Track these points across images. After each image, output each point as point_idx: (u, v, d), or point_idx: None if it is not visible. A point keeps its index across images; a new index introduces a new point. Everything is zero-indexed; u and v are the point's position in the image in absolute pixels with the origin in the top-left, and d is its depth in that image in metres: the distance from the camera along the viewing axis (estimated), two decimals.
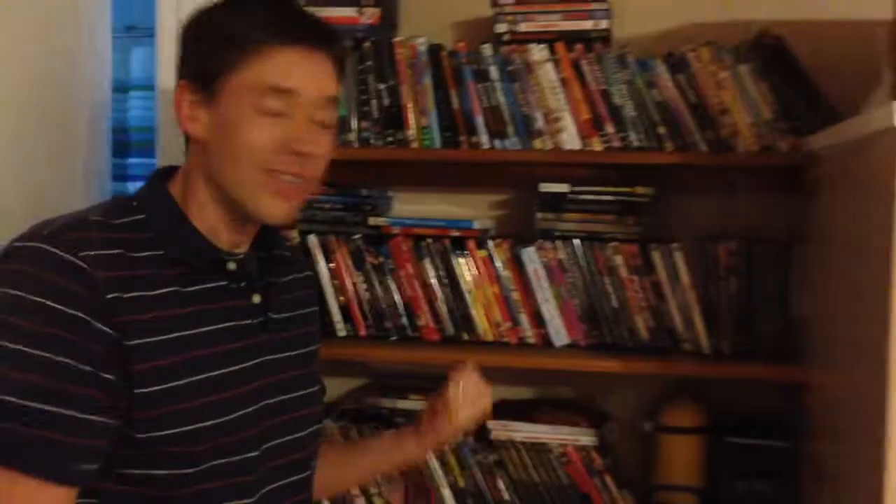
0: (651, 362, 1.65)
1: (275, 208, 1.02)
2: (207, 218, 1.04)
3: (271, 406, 1.07)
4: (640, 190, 1.71)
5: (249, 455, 1.02)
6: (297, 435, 1.10)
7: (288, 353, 1.11)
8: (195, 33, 1.04)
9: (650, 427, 1.75)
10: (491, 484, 1.77)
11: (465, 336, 1.76)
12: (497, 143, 1.71)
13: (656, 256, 1.69)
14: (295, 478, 1.10)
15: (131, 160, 2.63)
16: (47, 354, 0.89)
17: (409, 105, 1.73)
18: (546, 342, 1.73)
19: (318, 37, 1.03)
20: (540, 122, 1.69)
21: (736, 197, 1.77)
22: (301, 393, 1.12)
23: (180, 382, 0.97)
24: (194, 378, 0.98)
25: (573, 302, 1.72)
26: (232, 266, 1.04)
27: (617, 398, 1.85)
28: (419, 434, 1.26)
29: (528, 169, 1.78)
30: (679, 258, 1.68)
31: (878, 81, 1.45)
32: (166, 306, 0.97)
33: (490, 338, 1.75)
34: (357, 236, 1.77)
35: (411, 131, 1.74)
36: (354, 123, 1.75)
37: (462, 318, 1.76)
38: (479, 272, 1.75)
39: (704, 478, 1.72)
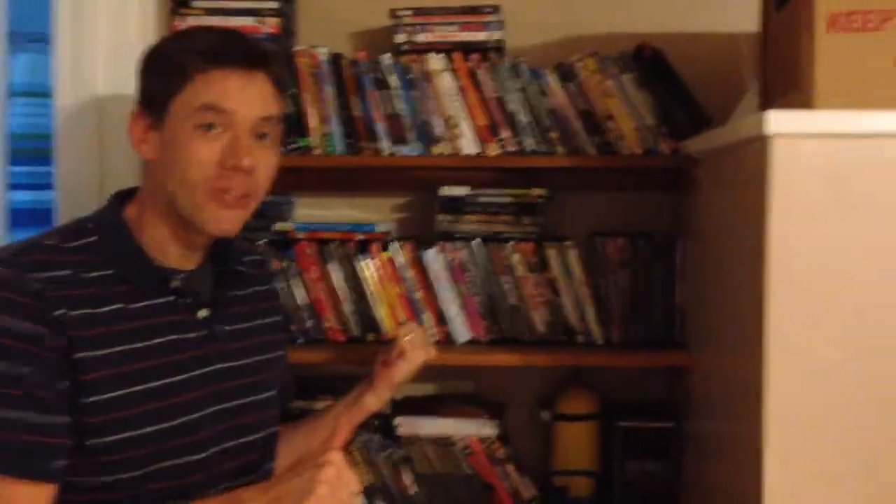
0: (547, 355, 1.74)
1: (220, 221, 1.12)
2: (158, 236, 1.13)
3: (222, 411, 1.16)
4: (534, 192, 1.80)
5: (195, 458, 1.11)
6: (249, 438, 1.19)
7: (241, 362, 1.20)
8: (145, 65, 1.13)
9: (547, 416, 1.85)
10: (397, 479, 1.82)
11: (371, 336, 1.81)
12: (398, 149, 1.77)
13: (551, 254, 1.78)
14: (249, 478, 1.18)
15: (14, 168, 2.54)
16: (7, 364, 0.99)
17: (312, 112, 1.77)
18: (449, 339, 1.81)
19: (252, 59, 1.11)
20: (439, 129, 1.76)
21: (623, 196, 1.90)
22: (254, 398, 1.21)
23: (124, 391, 1.06)
24: (138, 388, 1.07)
25: (474, 300, 1.80)
26: (176, 283, 1.13)
27: (516, 390, 1.94)
28: (374, 387, 1.43)
29: (428, 173, 1.85)
30: (572, 255, 1.78)
31: (744, 90, 1.60)
32: (112, 322, 1.07)
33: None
34: (262, 241, 1.80)
35: (313, 138, 1.78)
36: None
37: (367, 318, 1.81)
38: (383, 274, 1.80)
39: (598, 461, 1.83)
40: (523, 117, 1.76)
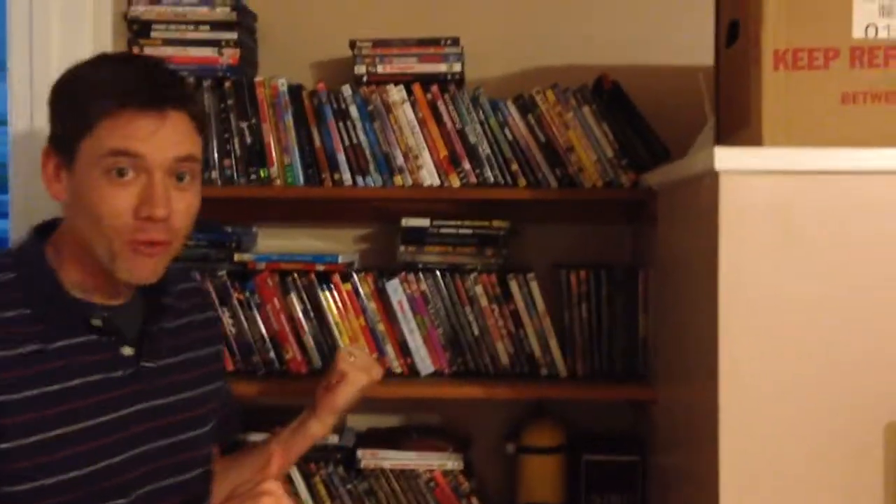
0: (511, 387, 1.73)
1: (139, 270, 1.07)
2: (79, 273, 1.08)
3: (149, 451, 1.10)
4: (496, 223, 1.80)
5: (119, 502, 1.05)
6: (182, 477, 1.14)
7: (172, 399, 1.14)
8: (53, 100, 1.07)
9: (512, 449, 1.83)
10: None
11: None
12: (359, 179, 1.76)
13: (514, 286, 1.78)
14: None
15: None
16: None
17: (272, 143, 1.76)
18: (412, 371, 1.79)
19: (164, 99, 1.04)
20: (399, 160, 1.76)
21: (585, 228, 1.90)
22: (185, 436, 1.16)
23: (43, 436, 1.01)
24: (57, 431, 1.02)
25: (437, 331, 1.79)
26: (97, 322, 1.07)
27: (481, 422, 1.93)
28: (316, 413, 1.37)
29: (390, 204, 1.85)
30: (535, 287, 1.77)
31: (703, 122, 1.60)
32: (28, 364, 1.01)
33: None
34: (222, 273, 1.78)
35: (274, 168, 1.77)
36: (217, 161, 1.77)
37: (329, 350, 1.79)
38: (345, 305, 1.79)
39: (564, 494, 1.82)
40: (484, 149, 1.76)
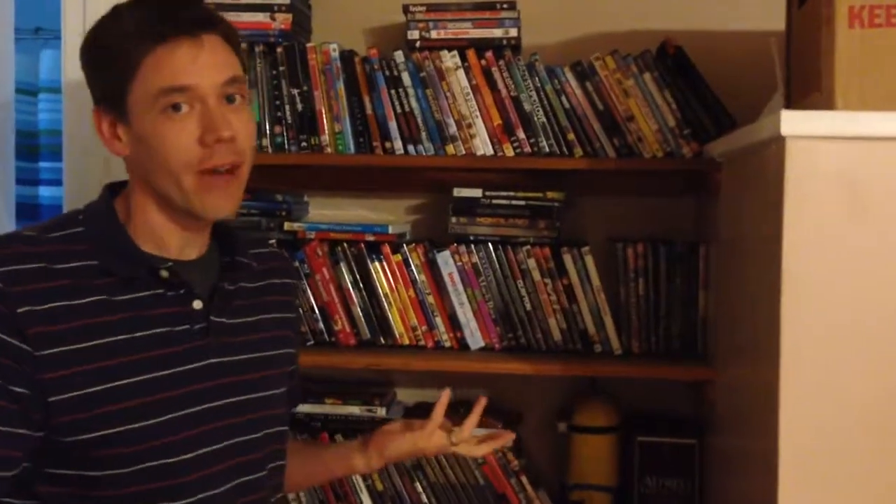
0: (563, 364, 1.68)
1: (217, 205, 1.04)
2: (154, 228, 1.06)
3: (217, 408, 1.07)
4: (550, 194, 1.74)
5: (185, 457, 1.04)
6: (247, 437, 1.10)
7: (243, 356, 1.11)
8: (86, 61, 1.05)
9: (564, 427, 1.78)
10: (409, 487, 1.78)
11: (382, 340, 1.77)
12: (411, 148, 1.73)
13: (568, 259, 1.72)
14: (250, 477, 1.10)
15: (42, 164, 2.56)
16: None
17: (323, 110, 1.74)
18: (462, 345, 1.76)
19: (196, 24, 1.02)
20: (452, 128, 1.71)
21: (644, 201, 1.82)
22: (259, 395, 1.12)
23: (101, 388, 0.99)
24: (117, 383, 1.00)
25: (487, 305, 1.74)
26: (164, 274, 1.05)
27: (532, 400, 1.88)
28: (366, 453, 1.28)
29: (441, 174, 1.81)
30: (589, 261, 1.72)
31: (772, 91, 1.51)
32: (90, 315, 1.00)
33: (406, 341, 1.77)
34: (272, 241, 1.77)
35: (325, 136, 1.74)
36: (268, 128, 1.75)
37: (378, 322, 1.77)
38: (395, 276, 1.76)
39: (617, 476, 1.76)
40: (539, 117, 1.70)
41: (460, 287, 1.75)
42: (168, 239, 1.07)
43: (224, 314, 1.09)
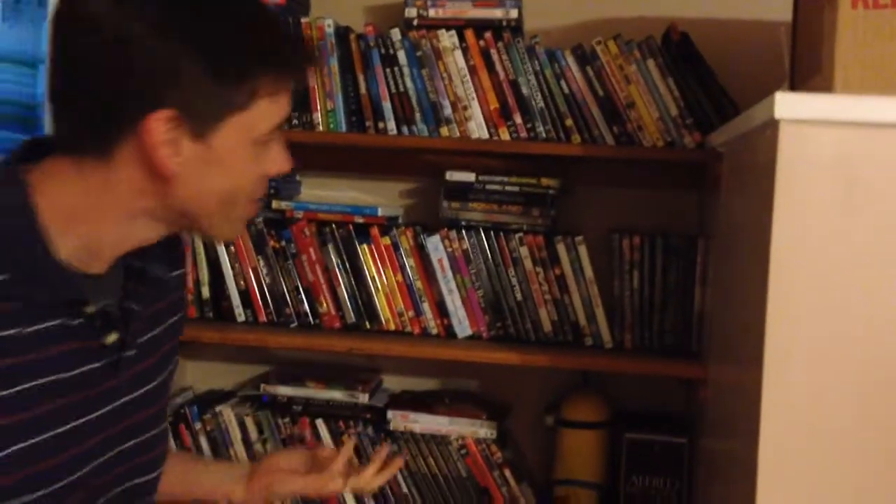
0: (552, 356, 1.64)
1: (237, 231, 0.96)
2: (83, 238, 0.86)
3: (116, 456, 0.92)
4: (546, 181, 1.69)
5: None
6: (146, 478, 0.98)
7: (143, 390, 0.95)
8: (210, 63, 0.83)
9: (551, 421, 1.74)
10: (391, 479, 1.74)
11: (367, 324, 1.73)
12: (404, 129, 1.68)
13: (561, 249, 1.67)
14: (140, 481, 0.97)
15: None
16: None
17: (316, 87, 1.70)
18: (449, 333, 1.71)
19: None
20: (447, 110, 1.67)
21: (643, 193, 1.77)
22: (153, 433, 0.98)
23: (9, 451, 0.81)
24: (25, 443, 0.82)
25: (477, 293, 1.70)
26: (90, 309, 0.86)
27: (520, 392, 1.84)
28: (250, 486, 1.15)
29: (435, 157, 1.76)
30: (583, 251, 1.67)
31: (780, 83, 1.46)
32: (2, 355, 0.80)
33: (392, 327, 1.73)
34: (259, 219, 1.73)
35: (317, 115, 1.70)
36: None
37: (364, 306, 1.73)
38: (383, 260, 1.72)
39: (603, 473, 1.71)
40: (537, 102, 1.65)
41: (449, 273, 1.70)
42: (108, 253, 0.88)
43: (133, 338, 0.92)
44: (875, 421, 1.04)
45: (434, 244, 1.70)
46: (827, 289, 1.04)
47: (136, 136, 0.82)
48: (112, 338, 0.88)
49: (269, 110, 0.86)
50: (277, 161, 0.91)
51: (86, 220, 0.84)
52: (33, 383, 0.81)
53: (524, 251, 1.69)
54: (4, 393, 0.79)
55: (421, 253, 1.71)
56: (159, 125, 0.81)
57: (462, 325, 1.71)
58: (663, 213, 1.75)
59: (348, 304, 1.73)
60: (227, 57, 0.83)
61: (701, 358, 1.62)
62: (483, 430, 1.72)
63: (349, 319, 1.73)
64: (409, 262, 1.71)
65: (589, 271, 1.67)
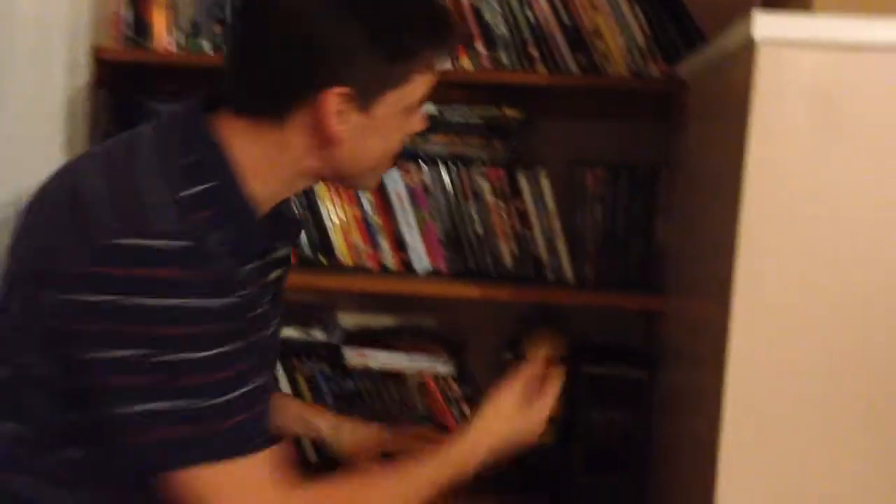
0: (512, 290, 1.61)
1: (378, 182, 1.12)
2: (274, 188, 0.99)
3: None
4: (508, 112, 1.64)
5: None
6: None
7: (274, 323, 1.09)
8: (372, 42, 0.93)
9: (510, 356, 1.72)
10: (347, 413, 1.70)
11: (324, 260, 1.68)
12: None
13: (523, 182, 1.63)
14: None
15: None
16: (224, 349, 0.88)
17: None
18: (408, 268, 1.67)
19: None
20: None
21: (608, 124, 1.73)
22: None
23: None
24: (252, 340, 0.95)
25: (436, 227, 1.65)
26: (274, 255, 1.03)
27: (479, 328, 1.81)
28: (339, 434, 1.29)
29: None
30: (545, 184, 1.63)
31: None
32: (248, 285, 0.95)
33: (349, 262, 1.68)
34: None
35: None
36: (206, 28, 1.62)
37: (320, 241, 1.67)
38: (339, 193, 1.66)
39: (562, 407, 1.70)
40: (500, 30, 1.59)
41: (408, 207, 1.65)
42: (270, 204, 1.00)
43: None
44: (847, 349, 1.03)
45: (392, 177, 1.64)
46: (802, 217, 1.02)
47: (310, 106, 0.93)
48: (274, 275, 1.05)
49: (422, 82, 0.98)
50: (419, 122, 1.04)
51: (263, 176, 0.95)
52: (254, 313, 0.96)
53: (485, 184, 1.64)
54: (251, 314, 0.94)
55: (379, 187, 1.65)
56: (333, 99, 0.92)
57: (421, 260, 1.67)
58: (627, 145, 1.71)
59: (303, 239, 1.67)
60: (399, 40, 0.94)
61: (663, 291, 1.60)
62: (442, 366, 1.70)
63: (305, 255, 1.68)
64: (366, 196, 1.66)
65: (551, 205, 1.63)
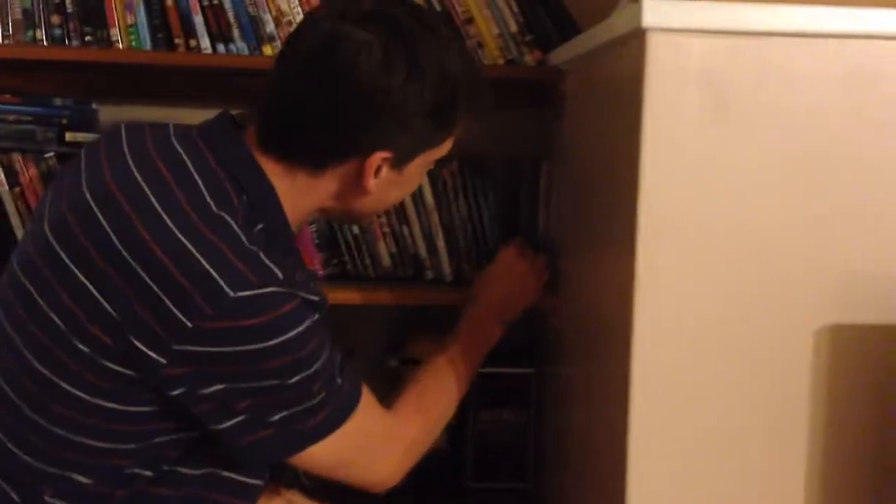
0: (392, 292, 1.53)
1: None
2: (292, 217, 1.07)
3: None
4: None
5: None
6: None
7: None
8: (425, 113, 1.01)
9: (395, 362, 1.65)
10: None
11: None
12: (220, 47, 1.49)
13: None
14: None
15: None
16: (328, 350, 1.01)
17: None
18: None
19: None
20: (270, 26, 1.49)
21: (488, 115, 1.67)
22: None
23: None
24: None
25: (309, 229, 1.56)
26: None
27: (361, 333, 1.73)
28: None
29: (257, 80, 1.57)
30: (424, 180, 1.56)
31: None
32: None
33: None
34: (50, 155, 1.49)
35: (116, 30, 1.47)
36: (43, 17, 1.46)
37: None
38: None
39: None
40: None
41: None
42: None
43: None
44: (747, 324, 1.02)
45: None
46: (698, 203, 1.01)
47: (353, 164, 1.02)
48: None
49: (450, 142, 1.09)
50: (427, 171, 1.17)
51: (286, 206, 1.03)
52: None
53: None
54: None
55: None
56: (377, 160, 1.01)
57: None
58: (505, 136, 1.66)
59: None
60: (452, 111, 1.03)
61: (550, 286, 1.57)
62: None
63: None
64: None
65: (429, 199, 1.57)
